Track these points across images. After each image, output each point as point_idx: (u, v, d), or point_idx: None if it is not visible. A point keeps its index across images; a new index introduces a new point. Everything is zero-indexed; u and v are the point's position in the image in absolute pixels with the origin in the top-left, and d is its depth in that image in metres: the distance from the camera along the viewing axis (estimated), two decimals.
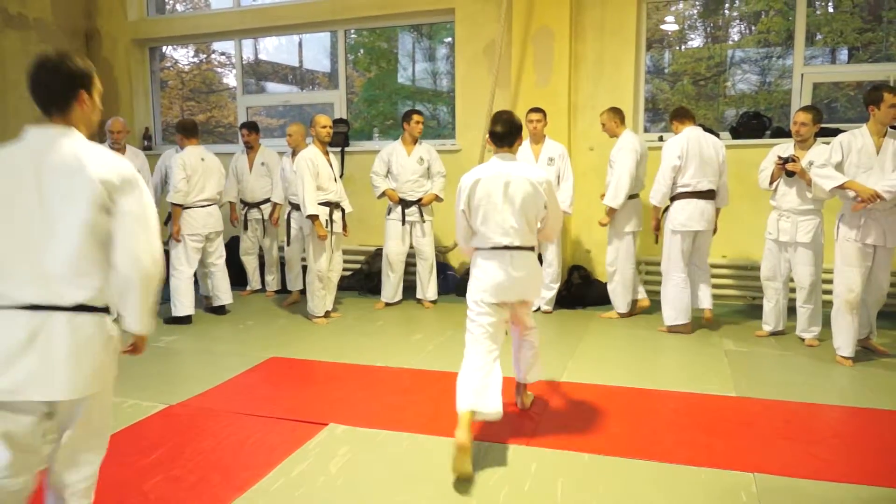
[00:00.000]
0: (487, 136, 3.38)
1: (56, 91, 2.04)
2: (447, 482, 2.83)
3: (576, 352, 4.70)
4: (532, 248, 3.30)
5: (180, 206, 5.62)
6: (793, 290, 4.98)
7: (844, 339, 4.35)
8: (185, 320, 5.68)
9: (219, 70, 9.08)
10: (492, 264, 3.21)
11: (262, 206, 6.66)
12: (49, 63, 2.05)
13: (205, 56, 9.07)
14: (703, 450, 3.09)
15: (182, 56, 9.18)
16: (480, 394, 3.05)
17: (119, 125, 5.95)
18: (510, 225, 3.17)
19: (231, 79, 8.66)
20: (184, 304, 5.66)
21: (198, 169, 5.69)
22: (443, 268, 6.75)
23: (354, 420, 3.48)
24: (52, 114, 2.05)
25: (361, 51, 8.45)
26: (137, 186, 2.03)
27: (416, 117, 6.02)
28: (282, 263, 6.79)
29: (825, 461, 2.97)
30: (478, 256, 3.30)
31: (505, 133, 3.26)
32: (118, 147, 5.88)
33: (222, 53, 8.84)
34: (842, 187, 4.24)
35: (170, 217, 5.68)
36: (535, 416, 3.54)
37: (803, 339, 4.85)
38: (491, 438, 3.24)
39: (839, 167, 4.32)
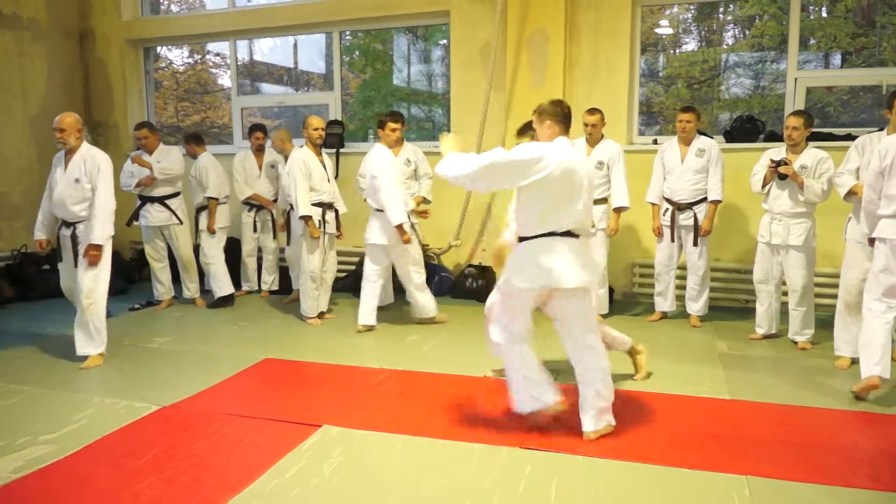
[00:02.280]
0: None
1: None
2: (441, 484, 2.83)
3: None
4: None
5: (216, 199, 6.33)
6: (785, 294, 5.00)
7: (841, 341, 4.38)
8: (229, 300, 6.38)
9: (213, 71, 9.06)
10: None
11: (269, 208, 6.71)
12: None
13: (199, 57, 9.05)
14: (696, 453, 3.10)
15: (176, 56, 9.16)
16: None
17: (64, 123, 4.53)
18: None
19: (225, 79, 8.64)
20: (223, 287, 6.34)
21: (221, 171, 6.47)
22: (437, 270, 6.74)
23: (349, 422, 3.47)
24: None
25: (357, 52, 8.45)
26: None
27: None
28: (281, 266, 6.82)
29: (818, 464, 2.97)
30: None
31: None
32: (63, 146, 4.59)
33: (217, 54, 8.82)
34: (851, 192, 4.29)
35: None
36: (528, 418, 3.54)
37: (796, 343, 4.87)
38: (484, 440, 3.24)
39: (857, 172, 4.36)
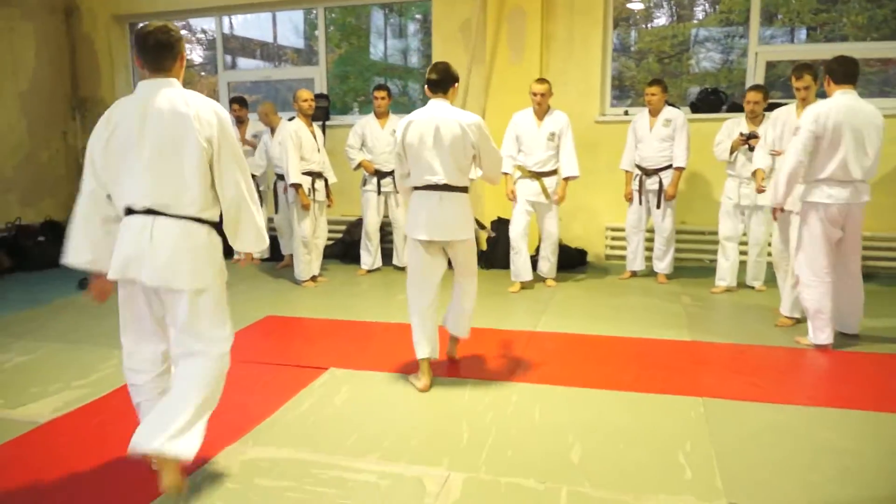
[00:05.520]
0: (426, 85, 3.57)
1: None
2: (441, 410, 3.26)
3: (548, 308, 5.13)
4: (463, 189, 3.53)
5: None
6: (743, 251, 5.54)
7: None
8: None
9: (187, 46, 9.20)
10: (422, 202, 3.49)
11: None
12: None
13: None
14: (660, 381, 3.55)
15: None
16: (433, 342, 3.57)
17: None
18: (438, 164, 3.42)
19: (195, 55, 8.82)
20: None
21: None
22: None
23: (353, 364, 3.86)
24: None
25: (332, 27, 8.67)
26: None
27: (376, 93, 6.33)
28: (271, 234, 7.12)
29: (764, 388, 3.46)
30: (412, 196, 3.57)
31: (439, 80, 3.47)
32: None
33: (190, 30, 8.97)
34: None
35: None
36: (514, 358, 3.96)
37: (753, 287, 5.51)
38: (476, 376, 3.66)
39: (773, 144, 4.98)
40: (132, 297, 2.52)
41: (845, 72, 3.96)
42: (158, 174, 2.38)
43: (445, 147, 3.40)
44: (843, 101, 3.92)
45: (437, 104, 3.48)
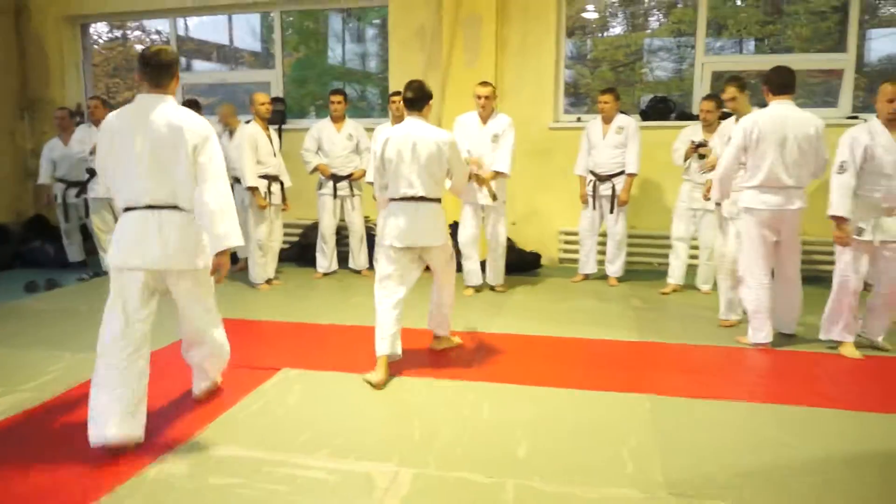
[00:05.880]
0: (402, 101, 3.80)
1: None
2: (393, 406, 3.33)
3: (502, 310, 5.21)
4: (437, 200, 3.80)
5: None
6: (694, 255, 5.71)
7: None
8: None
9: (140, 48, 9.11)
10: (399, 212, 3.73)
11: None
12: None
13: (121, 33, 9.05)
14: (608, 379, 3.66)
15: (103, 33, 9.15)
16: (394, 341, 3.71)
17: None
18: (416, 178, 3.68)
19: None
20: None
21: None
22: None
23: (305, 365, 3.88)
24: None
25: (290, 30, 8.65)
26: None
27: (332, 98, 6.35)
28: None
29: (707, 385, 3.59)
30: (389, 206, 3.80)
31: (414, 99, 3.74)
32: None
33: (143, 31, 8.88)
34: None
35: None
36: (467, 358, 4.03)
37: (700, 290, 5.68)
38: (429, 374, 3.72)
39: None
40: (126, 283, 2.95)
41: (781, 83, 4.14)
42: (157, 178, 2.85)
43: (422, 162, 3.67)
44: (774, 111, 4.11)
45: (412, 122, 3.74)
